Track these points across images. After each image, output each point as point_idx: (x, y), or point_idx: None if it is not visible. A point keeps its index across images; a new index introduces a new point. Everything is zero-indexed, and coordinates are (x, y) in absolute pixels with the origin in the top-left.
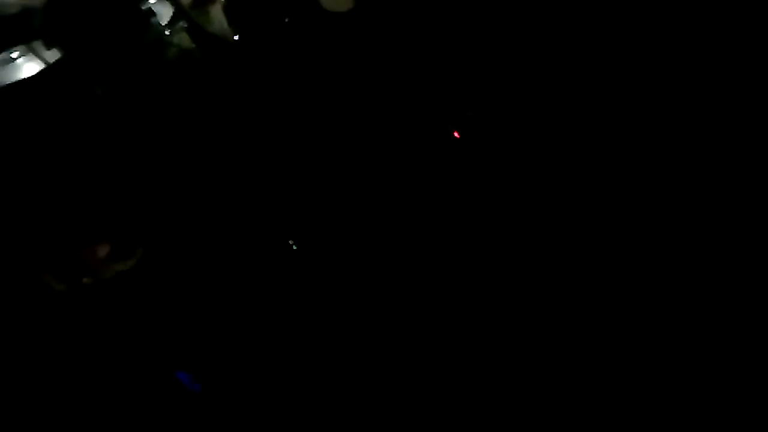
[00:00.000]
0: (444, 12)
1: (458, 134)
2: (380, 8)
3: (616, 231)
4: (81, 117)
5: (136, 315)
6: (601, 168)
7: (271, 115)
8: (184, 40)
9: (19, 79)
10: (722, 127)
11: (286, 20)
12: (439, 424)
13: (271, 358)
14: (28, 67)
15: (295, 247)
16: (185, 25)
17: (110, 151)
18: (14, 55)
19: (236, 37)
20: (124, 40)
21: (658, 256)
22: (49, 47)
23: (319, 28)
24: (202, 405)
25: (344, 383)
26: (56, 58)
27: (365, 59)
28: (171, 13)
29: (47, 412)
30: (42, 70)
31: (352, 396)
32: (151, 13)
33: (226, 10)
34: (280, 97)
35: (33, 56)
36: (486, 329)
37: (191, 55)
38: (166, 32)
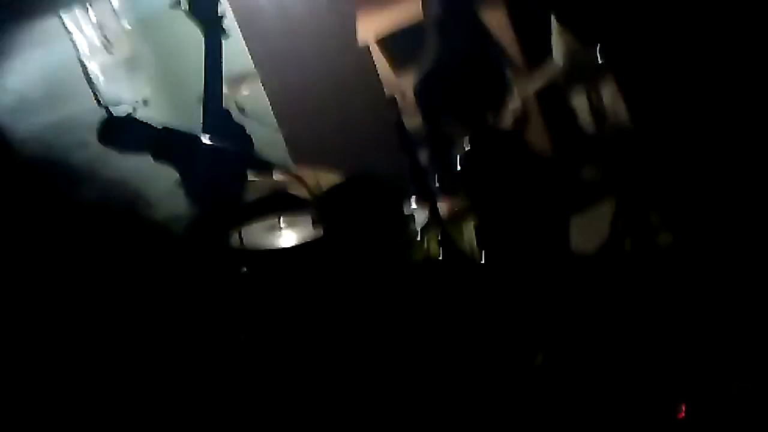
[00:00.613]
0: None
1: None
2: None
3: None
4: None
5: None
6: None
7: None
8: (433, 247)
9: (277, 245)
10: None
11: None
12: None
13: None
14: (288, 236)
15: None
16: (438, 235)
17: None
18: (282, 224)
19: (482, 260)
20: (382, 236)
21: None
22: (315, 226)
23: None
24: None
25: None
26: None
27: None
28: (427, 220)
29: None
30: (299, 244)
31: None
32: (411, 218)
33: (478, 231)
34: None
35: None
36: None
37: (435, 263)
38: (419, 236)
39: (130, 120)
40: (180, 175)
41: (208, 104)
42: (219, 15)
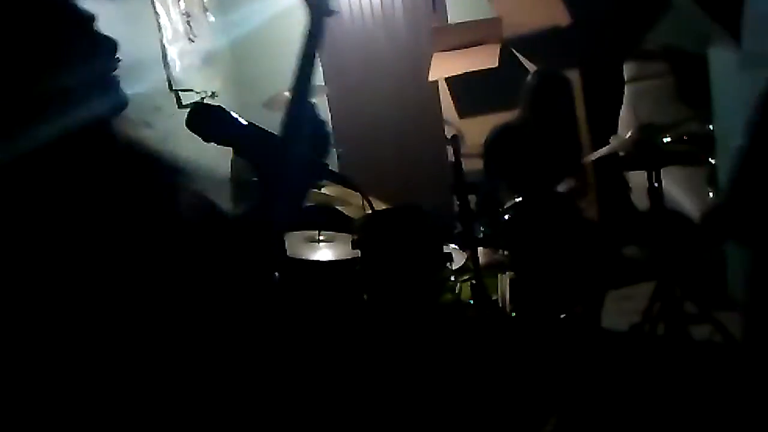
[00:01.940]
0: None
1: None
2: None
3: None
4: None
5: None
6: None
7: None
8: (464, 291)
9: (314, 258)
10: None
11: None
12: None
13: None
14: (324, 252)
15: None
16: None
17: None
18: (321, 237)
19: (513, 314)
20: (417, 270)
21: None
22: (353, 247)
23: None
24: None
25: None
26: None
27: None
28: (464, 264)
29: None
30: (332, 261)
31: None
32: (449, 259)
33: (513, 285)
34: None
35: (333, 244)
36: None
37: (463, 308)
38: (452, 278)
39: (219, 110)
40: (255, 172)
41: (297, 92)
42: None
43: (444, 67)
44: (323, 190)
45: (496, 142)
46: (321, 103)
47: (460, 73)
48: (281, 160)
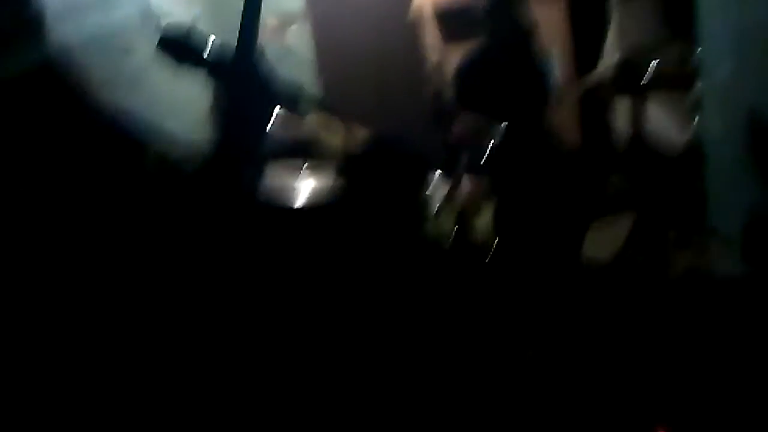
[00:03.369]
0: None
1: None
2: None
3: None
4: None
5: None
6: None
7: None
8: (447, 225)
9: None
10: None
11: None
12: None
13: None
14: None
15: None
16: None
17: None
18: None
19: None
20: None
21: None
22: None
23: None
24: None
25: None
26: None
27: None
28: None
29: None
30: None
31: None
32: (432, 192)
33: (495, 216)
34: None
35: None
36: None
37: (446, 241)
38: (436, 212)
39: (191, 31)
40: (224, 94)
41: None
42: None
43: None
44: (306, 119)
45: (467, 69)
46: (303, 32)
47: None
48: (257, 83)
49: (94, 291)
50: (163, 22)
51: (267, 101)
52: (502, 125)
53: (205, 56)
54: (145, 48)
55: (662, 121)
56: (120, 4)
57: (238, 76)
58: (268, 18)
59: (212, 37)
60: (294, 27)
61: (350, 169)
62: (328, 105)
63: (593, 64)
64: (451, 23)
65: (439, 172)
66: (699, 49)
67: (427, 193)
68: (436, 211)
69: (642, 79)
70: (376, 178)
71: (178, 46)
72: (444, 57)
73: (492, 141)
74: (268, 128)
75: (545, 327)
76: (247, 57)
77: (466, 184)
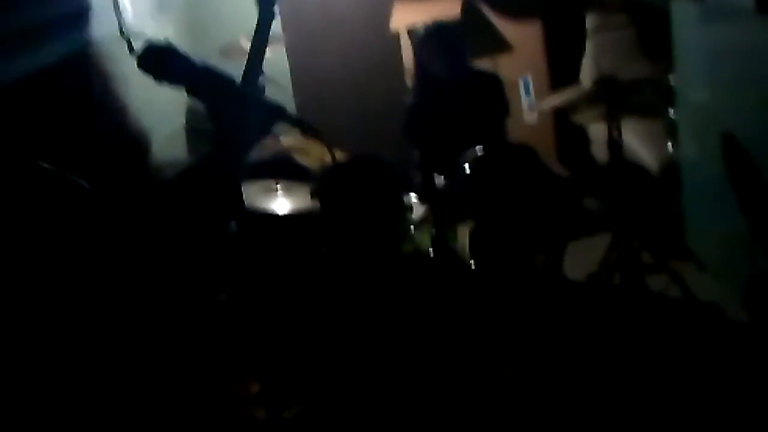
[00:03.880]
0: None
1: None
2: None
3: None
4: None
5: None
6: None
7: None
8: (424, 242)
9: (272, 208)
10: None
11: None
12: None
13: None
14: (282, 202)
15: None
16: (432, 233)
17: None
18: (279, 189)
19: (472, 264)
20: (376, 221)
21: None
22: (312, 198)
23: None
24: None
25: None
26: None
27: None
28: (424, 216)
29: None
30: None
31: None
32: (410, 210)
33: (472, 236)
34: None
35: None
36: None
37: (423, 257)
38: (413, 228)
39: (172, 49)
40: (208, 113)
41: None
42: None
43: (405, 15)
44: (281, 140)
45: (432, 91)
46: (278, 53)
47: (421, 22)
48: (236, 100)
49: (83, 293)
50: (138, 42)
51: (246, 122)
52: (477, 147)
53: (186, 74)
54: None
55: (638, 144)
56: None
57: (219, 96)
58: (242, 41)
59: (192, 55)
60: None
61: (327, 189)
62: (305, 126)
63: (568, 86)
64: (425, 45)
65: (416, 191)
66: (674, 74)
67: (404, 213)
68: (413, 231)
69: (617, 102)
70: (352, 198)
71: (159, 64)
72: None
73: (469, 160)
74: (247, 149)
75: (522, 347)
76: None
77: (444, 202)
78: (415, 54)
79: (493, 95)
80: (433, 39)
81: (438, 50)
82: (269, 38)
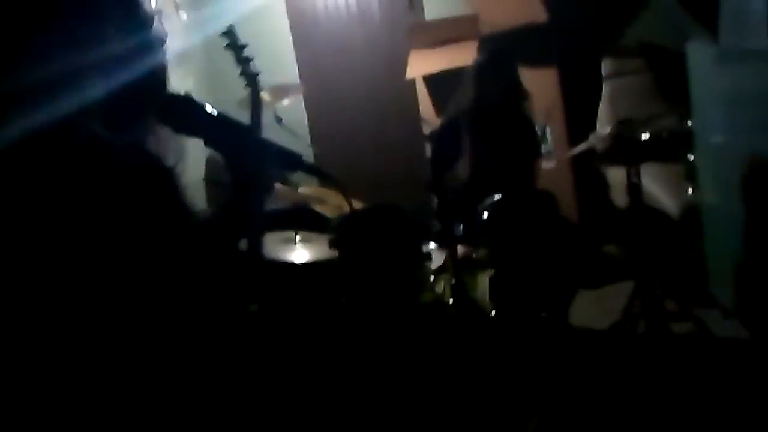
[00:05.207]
0: None
1: None
2: None
3: None
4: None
5: None
6: None
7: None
8: (444, 291)
9: (291, 259)
10: None
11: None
12: None
13: None
14: (301, 252)
15: None
16: (452, 280)
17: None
18: (298, 239)
19: (493, 313)
20: (395, 270)
21: None
22: (330, 247)
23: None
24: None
25: None
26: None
27: None
28: (443, 263)
29: None
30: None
31: None
32: (428, 258)
33: (492, 283)
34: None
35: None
36: None
37: (442, 306)
38: (431, 277)
39: (189, 100)
40: (226, 164)
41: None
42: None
43: (421, 64)
44: (299, 190)
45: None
46: (297, 103)
47: (437, 70)
48: (254, 151)
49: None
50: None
51: (263, 171)
52: (496, 194)
53: (205, 125)
54: None
55: (658, 188)
56: None
57: (237, 147)
58: (262, 92)
59: (209, 107)
60: (287, 100)
61: (345, 238)
62: (323, 175)
63: (586, 133)
64: (443, 90)
65: (435, 238)
66: (692, 117)
67: (422, 261)
68: (432, 280)
69: (636, 147)
70: (371, 247)
71: (178, 116)
72: (437, 125)
73: (489, 207)
74: (265, 199)
75: (545, 395)
76: (245, 129)
77: (463, 249)
78: (464, 86)
79: (527, 138)
80: (492, 64)
81: (496, 77)
82: (286, 88)
